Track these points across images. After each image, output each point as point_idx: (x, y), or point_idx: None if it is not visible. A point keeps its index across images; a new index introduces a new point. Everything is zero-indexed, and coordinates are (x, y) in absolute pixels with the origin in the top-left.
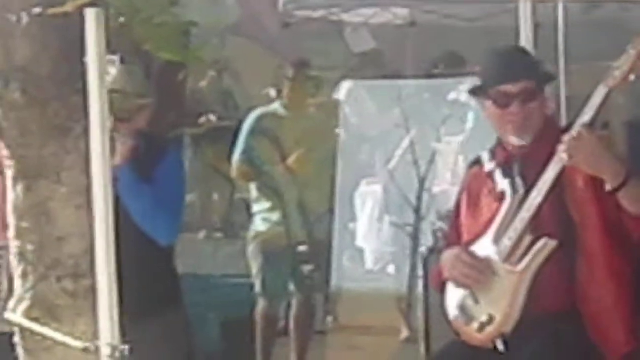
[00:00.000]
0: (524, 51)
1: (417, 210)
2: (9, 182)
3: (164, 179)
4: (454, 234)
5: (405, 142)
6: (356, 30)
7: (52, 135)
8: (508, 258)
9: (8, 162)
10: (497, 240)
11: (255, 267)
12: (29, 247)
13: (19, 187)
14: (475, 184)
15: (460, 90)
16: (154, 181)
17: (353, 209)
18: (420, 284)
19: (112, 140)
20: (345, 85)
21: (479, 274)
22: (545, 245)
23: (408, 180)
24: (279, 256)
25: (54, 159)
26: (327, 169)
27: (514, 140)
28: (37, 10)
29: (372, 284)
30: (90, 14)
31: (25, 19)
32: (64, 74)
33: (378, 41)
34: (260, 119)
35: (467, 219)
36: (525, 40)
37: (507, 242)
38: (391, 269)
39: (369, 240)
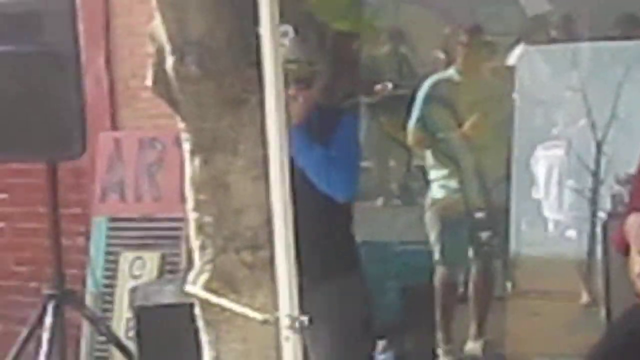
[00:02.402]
0: None
1: (595, 174)
2: (186, 156)
3: (338, 142)
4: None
5: (584, 107)
6: None
7: (227, 107)
8: None
9: (185, 136)
10: None
11: (433, 235)
12: (207, 219)
13: (196, 160)
14: None
15: (622, 56)
16: (329, 145)
17: (530, 173)
18: (599, 249)
19: (287, 104)
20: (520, 49)
21: None
22: None
23: (585, 144)
24: (457, 223)
25: (230, 131)
26: (503, 134)
27: None
28: None
29: (551, 249)
30: None
31: None
32: (238, 46)
33: (553, 3)
34: (434, 85)
35: None
36: None
37: None
38: (571, 233)
39: (548, 204)
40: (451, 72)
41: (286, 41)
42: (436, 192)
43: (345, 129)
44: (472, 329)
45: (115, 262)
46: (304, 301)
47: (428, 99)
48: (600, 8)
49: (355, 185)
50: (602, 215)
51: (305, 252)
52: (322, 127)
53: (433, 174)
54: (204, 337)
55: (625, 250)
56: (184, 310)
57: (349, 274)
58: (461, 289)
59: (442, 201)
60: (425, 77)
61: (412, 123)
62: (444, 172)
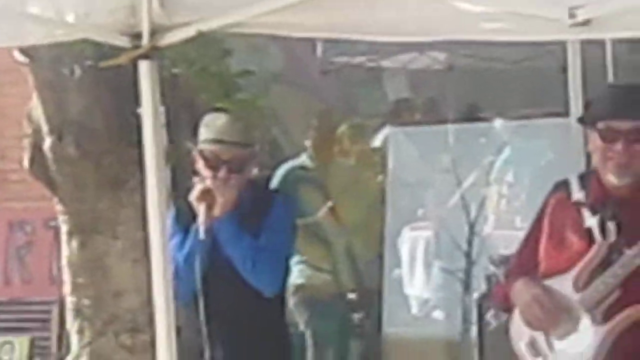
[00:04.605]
0: None
1: (468, 255)
2: (64, 237)
3: (269, 229)
4: (531, 261)
5: (455, 188)
6: (392, 77)
7: (106, 188)
8: (592, 310)
9: (62, 217)
10: (577, 285)
11: (302, 321)
12: (85, 302)
13: (74, 242)
14: (559, 211)
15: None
16: (260, 231)
17: (398, 254)
18: (473, 329)
19: (211, 192)
20: (385, 131)
21: (556, 320)
22: (638, 311)
23: (457, 225)
24: (328, 305)
25: (109, 212)
26: (375, 216)
27: (612, 180)
28: (90, 63)
29: (418, 330)
30: (144, 66)
31: (77, 72)
32: (118, 127)
33: (417, 87)
34: (287, 174)
35: (546, 248)
36: (573, 79)
37: (593, 294)
38: (438, 314)
39: (415, 286)
40: (303, 158)
41: (219, 120)
42: (297, 277)
43: (279, 213)
44: None
45: None
46: None
47: (282, 188)
48: (464, 90)
49: (282, 278)
50: (477, 296)
51: (233, 345)
52: (254, 211)
53: (298, 257)
54: None
55: (508, 309)
56: None
57: None
58: None
59: (308, 285)
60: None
61: None
62: (313, 254)
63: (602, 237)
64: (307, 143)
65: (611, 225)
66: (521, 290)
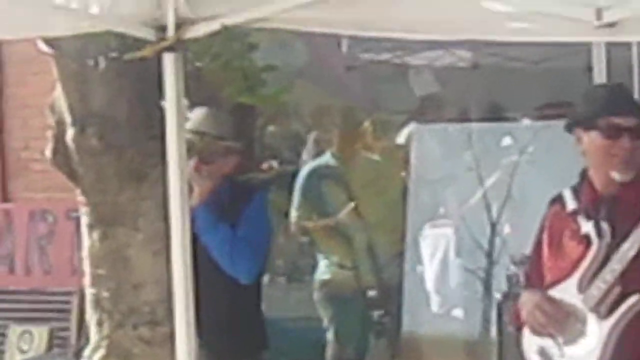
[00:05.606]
0: (628, 89)
1: (489, 255)
2: (84, 229)
3: (247, 222)
4: (536, 275)
5: (477, 186)
6: (419, 73)
7: (128, 181)
8: (595, 308)
9: (84, 209)
10: (581, 287)
11: (326, 317)
12: (105, 294)
13: (95, 234)
14: (556, 224)
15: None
16: (238, 222)
17: (419, 252)
18: (493, 329)
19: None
20: (410, 128)
21: (559, 325)
22: (638, 302)
23: (479, 224)
24: (350, 301)
25: (131, 204)
26: (397, 212)
27: (616, 176)
28: (114, 54)
29: (438, 328)
30: (169, 59)
31: (102, 63)
32: (140, 119)
33: (442, 84)
34: (311, 174)
35: (549, 260)
36: (599, 80)
37: (594, 292)
38: (458, 313)
39: (435, 283)
40: (327, 157)
41: (199, 112)
42: (323, 273)
43: (256, 207)
44: None
45: (3, 335)
46: None
47: (306, 187)
48: (488, 89)
49: (259, 266)
50: (496, 295)
51: (211, 332)
52: (233, 204)
53: (322, 255)
54: None
55: (519, 326)
56: None
57: (256, 356)
58: None
59: (332, 282)
60: (319, 154)
61: (293, 211)
62: (336, 251)
63: (599, 238)
64: (330, 141)
65: (605, 226)
66: (525, 301)
